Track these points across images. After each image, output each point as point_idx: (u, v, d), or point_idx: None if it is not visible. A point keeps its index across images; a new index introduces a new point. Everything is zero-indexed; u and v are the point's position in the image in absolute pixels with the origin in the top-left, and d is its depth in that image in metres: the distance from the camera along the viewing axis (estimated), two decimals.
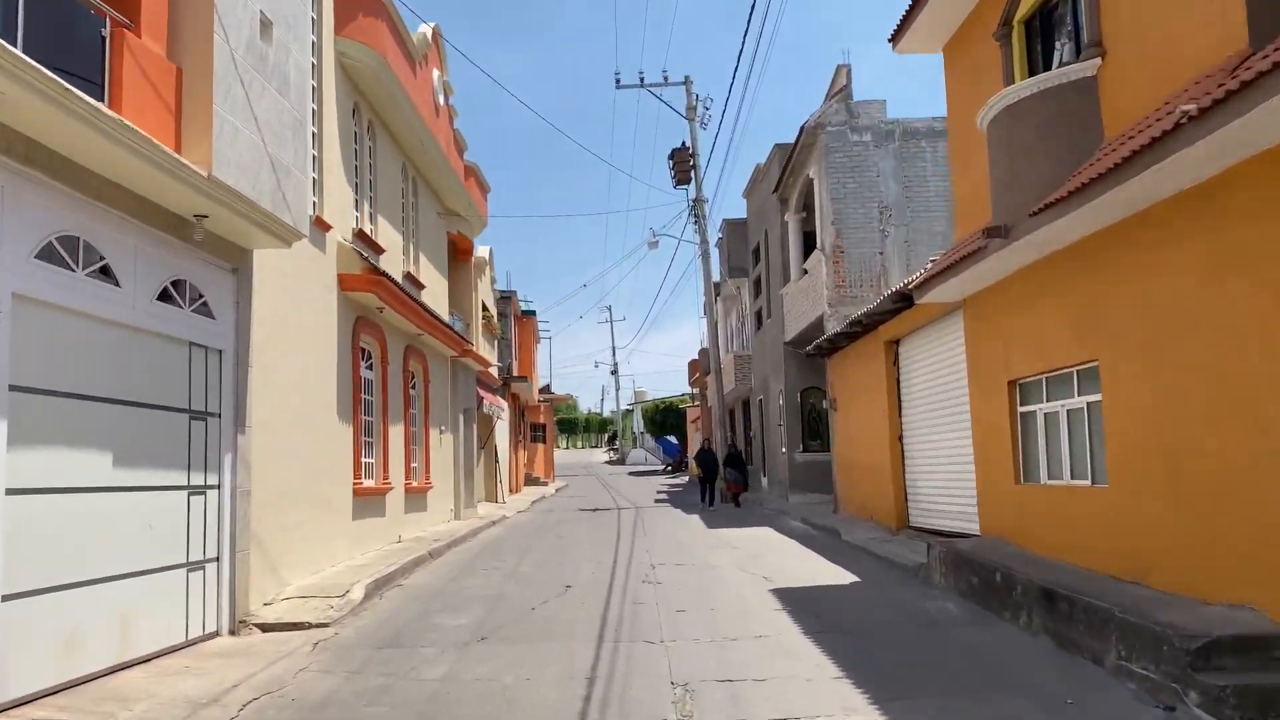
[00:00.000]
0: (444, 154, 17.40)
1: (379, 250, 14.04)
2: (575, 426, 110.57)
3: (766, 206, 24.44)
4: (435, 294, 18.06)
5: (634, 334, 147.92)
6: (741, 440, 30.73)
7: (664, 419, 53.61)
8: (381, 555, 12.62)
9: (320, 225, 11.64)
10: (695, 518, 20.40)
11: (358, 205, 13.62)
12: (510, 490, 31.01)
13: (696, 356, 41.53)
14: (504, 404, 29.03)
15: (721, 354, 30.01)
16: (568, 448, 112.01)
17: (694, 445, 45.31)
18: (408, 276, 15.89)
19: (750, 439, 29.06)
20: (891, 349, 14.33)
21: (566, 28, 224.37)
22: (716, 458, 23.73)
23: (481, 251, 23.88)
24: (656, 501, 26.99)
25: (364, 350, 13.53)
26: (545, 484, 38.31)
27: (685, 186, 26.13)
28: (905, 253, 18.46)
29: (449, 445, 18.89)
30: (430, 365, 17.27)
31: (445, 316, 18.58)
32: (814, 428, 22.58)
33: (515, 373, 32.38)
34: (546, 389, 43.68)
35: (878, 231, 18.54)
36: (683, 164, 25.64)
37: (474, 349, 20.87)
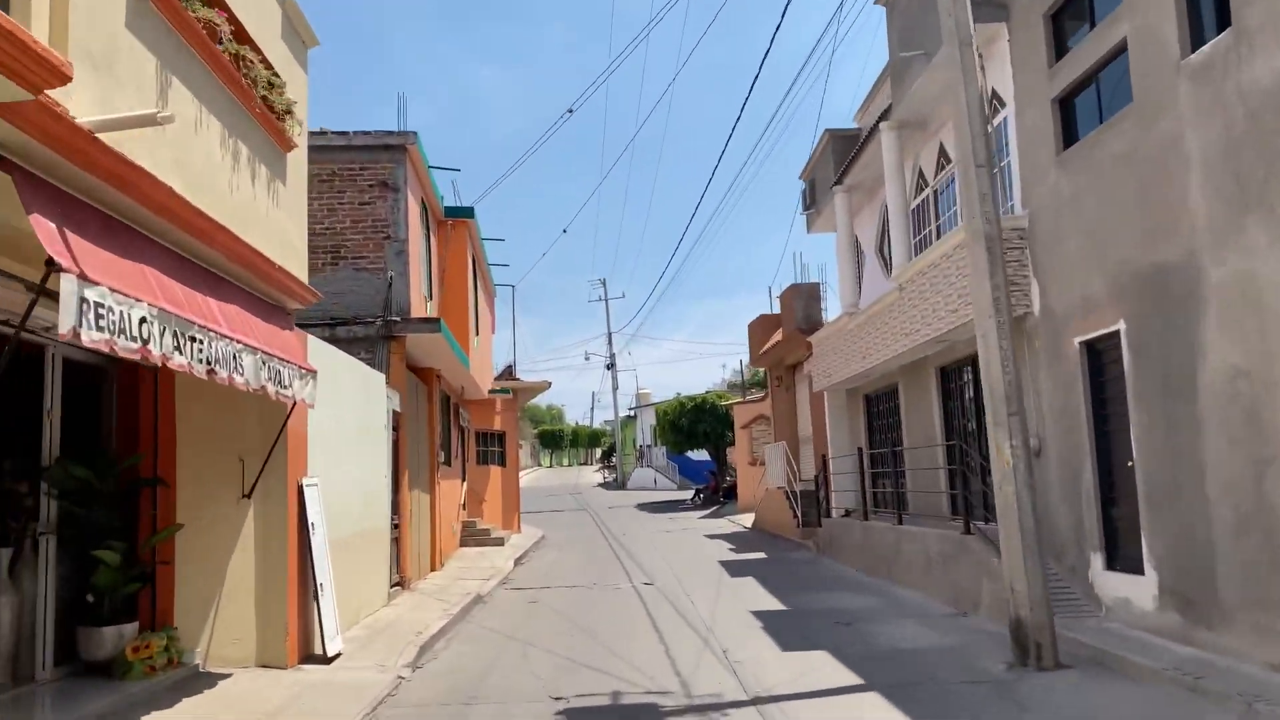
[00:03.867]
0: None
1: None
2: (561, 440, 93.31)
3: None
4: None
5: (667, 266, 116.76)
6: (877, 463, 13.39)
7: (692, 424, 35.93)
8: None
9: None
10: None
11: None
12: (421, 572, 13.55)
13: (774, 310, 24.02)
14: (369, 380, 11.49)
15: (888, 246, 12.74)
16: (552, 466, 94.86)
17: (756, 462, 27.76)
18: None
19: (969, 459, 11.64)
20: None
21: None
22: None
23: None
24: (762, 621, 9.51)
25: None
26: (502, 541, 20.73)
27: None
28: None
29: None
30: None
31: None
32: None
33: (416, 312, 14.71)
34: (509, 373, 26.17)
35: None
36: None
37: None
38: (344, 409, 10.24)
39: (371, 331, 13.66)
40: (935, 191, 13.45)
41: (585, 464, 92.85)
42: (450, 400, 19.69)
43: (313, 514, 8.70)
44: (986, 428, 8.16)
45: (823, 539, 16.82)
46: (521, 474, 72.18)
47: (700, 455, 42.22)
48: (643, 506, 36.11)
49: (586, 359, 61.01)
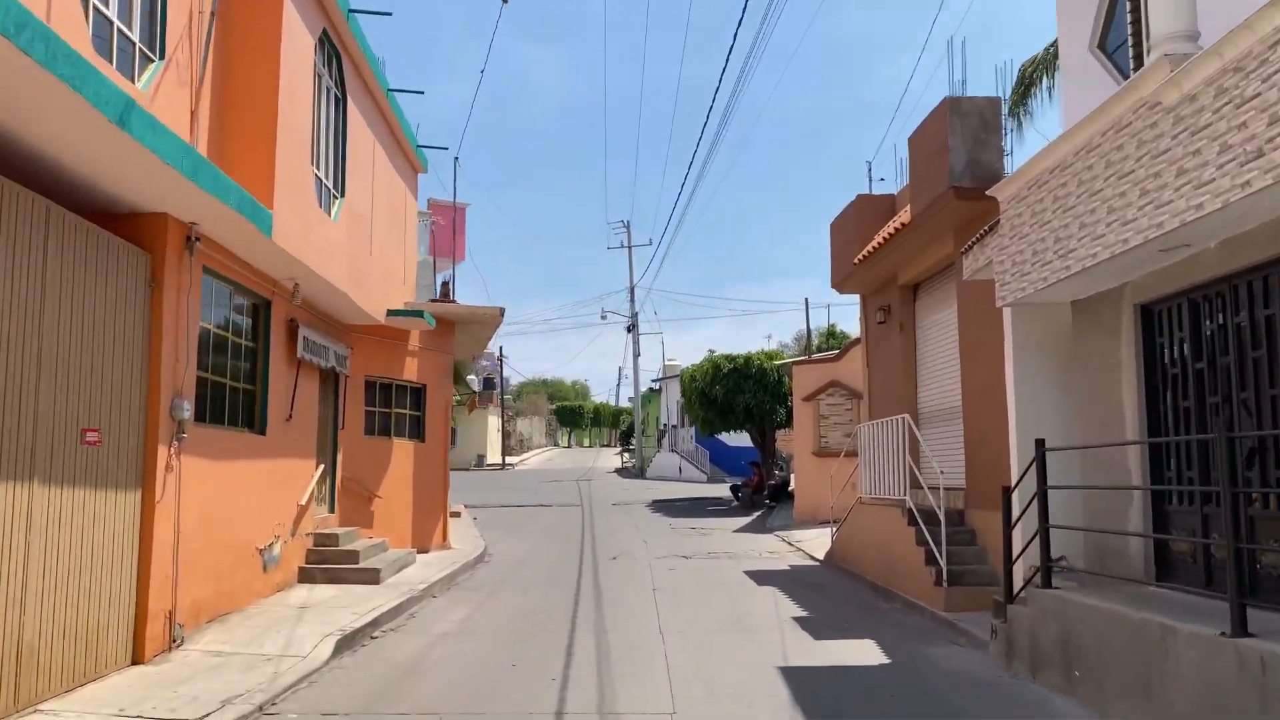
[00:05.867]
0: None
1: None
2: (580, 418, 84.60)
3: None
4: None
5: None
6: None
7: (730, 395, 26.26)
8: None
9: None
10: None
11: None
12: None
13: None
14: None
15: None
16: (570, 446, 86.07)
17: (826, 452, 18.41)
18: None
19: None
20: None
21: None
22: None
23: None
24: None
25: None
26: (376, 574, 11.44)
27: None
28: None
29: None
30: None
31: None
32: None
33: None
34: (445, 295, 16.81)
35: None
36: None
37: None
38: None
39: None
40: None
41: (608, 445, 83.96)
42: (277, 310, 10.35)
43: None
44: None
45: (1027, 634, 7.21)
46: (534, 454, 62.55)
47: (739, 440, 32.69)
48: (659, 506, 26.64)
49: (603, 318, 51.86)
